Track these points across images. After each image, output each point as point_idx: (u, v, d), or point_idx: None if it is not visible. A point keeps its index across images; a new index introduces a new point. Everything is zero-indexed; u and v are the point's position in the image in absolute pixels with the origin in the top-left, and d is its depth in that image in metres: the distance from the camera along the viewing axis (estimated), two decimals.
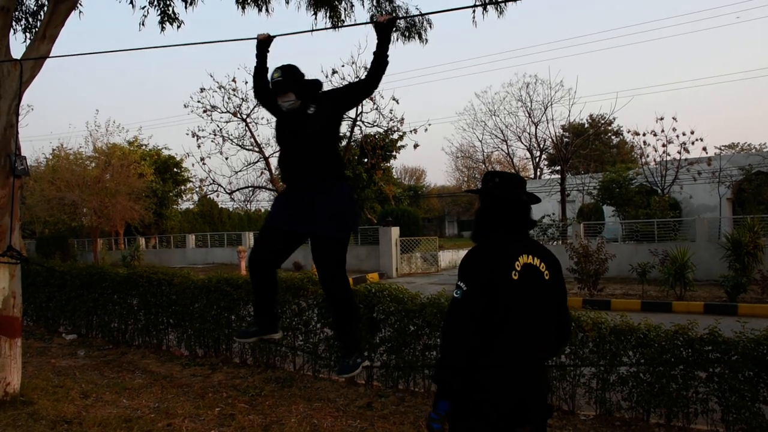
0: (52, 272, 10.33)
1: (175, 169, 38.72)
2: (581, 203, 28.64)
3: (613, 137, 43.83)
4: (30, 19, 8.07)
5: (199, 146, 19.28)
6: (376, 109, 17.42)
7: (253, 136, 17.98)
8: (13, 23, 6.90)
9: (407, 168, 60.01)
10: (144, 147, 37.21)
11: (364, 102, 17.04)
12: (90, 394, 6.49)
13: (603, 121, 36.83)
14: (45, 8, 7.47)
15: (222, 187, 19.11)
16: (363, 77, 3.71)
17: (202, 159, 18.53)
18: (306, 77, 3.71)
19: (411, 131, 18.62)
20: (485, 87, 50.71)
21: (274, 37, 3.90)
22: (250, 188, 21.03)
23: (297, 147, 3.66)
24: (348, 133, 19.51)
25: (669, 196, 23.07)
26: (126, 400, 6.28)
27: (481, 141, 37.65)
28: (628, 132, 26.79)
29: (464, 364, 2.43)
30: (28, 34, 8.05)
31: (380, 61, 3.57)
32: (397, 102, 18.02)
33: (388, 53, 3.56)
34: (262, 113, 21.96)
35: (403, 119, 17.92)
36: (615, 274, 16.97)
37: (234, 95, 17.67)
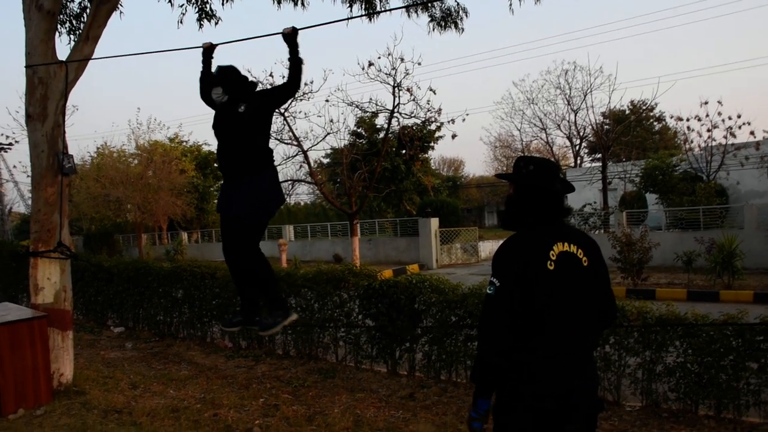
0: (100, 267, 10.59)
1: (215, 165, 39.26)
2: (623, 191, 28.09)
3: (655, 123, 42.81)
4: (74, 22, 8.27)
5: None
6: (413, 100, 17.32)
7: (291, 130, 18.02)
8: (58, 26, 7.07)
9: (445, 159, 59.77)
10: (185, 143, 37.83)
11: (400, 94, 17.05)
12: (138, 384, 6.66)
13: (645, 107, 36.01)
14: (88, 10, 7.65)
15: None
16: (286, 80, 4.20)
17: None
18: (244, 79, 4.24)
19: (449, 122, 18.41)
20: (523, 75, 50.15)
21: (218, 45, 4.48)
22: (290, 182, 21.19)
23: (227, 140, 4.16)
24: (386, 125, 19.49)
25: (715, 182, 22.44)
26: (173, 390, 6.43)
27: (519, 130, 37.10)
28: (671, 117, 26.12)
29: (502, 362, 2.39)
30: (72, 36, 8.26)
31: (294, 65, 4.12)
32: (434, 92, 17.80)
33: (300, 57, 4.13)
34: (300, 107, 22.03)
35: (440, 110, 17.77)
36: (659, 263, 16.63)
37: None
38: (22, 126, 26.45)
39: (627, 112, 35.69)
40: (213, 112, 4.36)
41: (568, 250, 2.50)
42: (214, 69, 4.35)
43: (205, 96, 4.41)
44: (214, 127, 4.25)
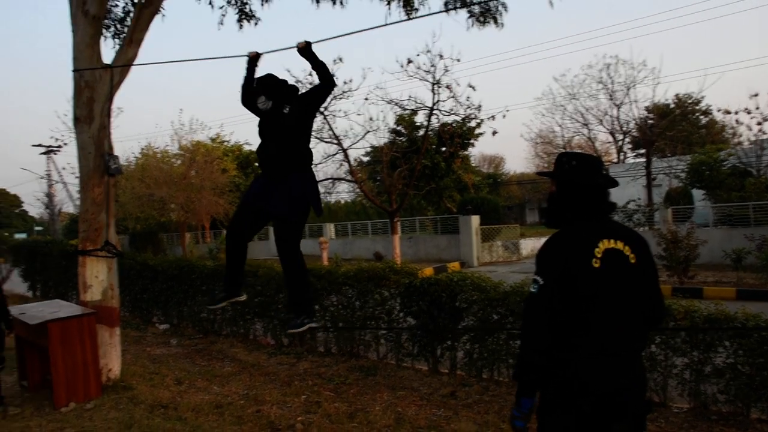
0: (145, 266, 10.83)
1: (256, 164, 39.73)
2: (668, 187, 27.47)
3: (701, 117, 41.66)
4: (118, 26, 8.45)
5: None
6: (453, 96, 17.22)
7: (331, 128, 18.13)
8: (103, 30, 7.22)
9: (486, 156, 59.32)
10: (226, 143, 38.36)
11: (439, 91, 17.00)
12: (183, 380, 6.79)
13: (690, 101, 35.15)
14: (131, 14, 7.81)
15: None
16: (319, 82, 4.33)
17: None
18: (283, 82, 4.37)
19: (489, 118, 18.29)
20: (564, 70, 49.29)
21: (262, 54, 4.60)
22: (330, 180, 21.29)
23: (271, 140, 4.30)
24: (425, 123, 19.44)
25: (765, 177, 21.77)
26: (217, 386, 6.53)
27: (560, 126, 36.43)
28: (719, 111, 25.54)
29: (544, 361, 2.38)
30: (116, 40, 8.44)
31: (320, 70, 4.27)
32: (473, 89, 17.72)
33: (321, 61, 4.28)
34: (340, 106, 22.12)
35: (480, 106, 17.56)
36: (707, 260, 16.21)
37: None
38: (70, 128, 27.13)
39: (672, 106, 34.90)
40: (255, 114, 4.48)
41: (614, 247, 2.46)
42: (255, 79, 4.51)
43: (247, 103, 4.53)
44: (259, 127, 4.39)
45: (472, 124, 21.49)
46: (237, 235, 4.48)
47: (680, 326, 5.35)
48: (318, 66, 4.28)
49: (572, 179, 2.58)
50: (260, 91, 4.34)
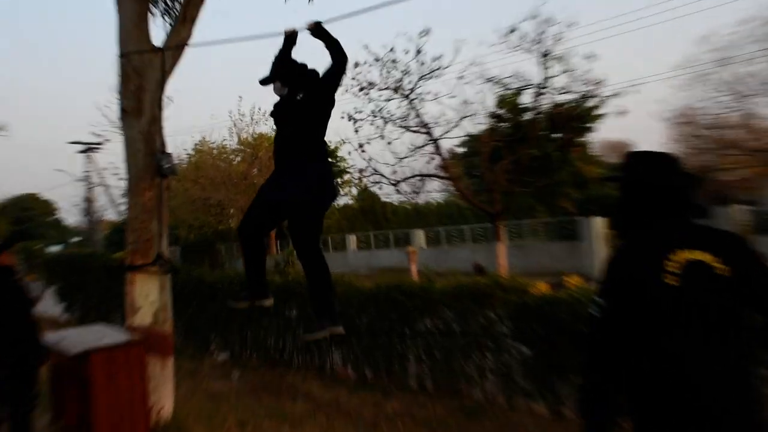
0: (201, 282, 11.07)
1: (330, 159, 40.27)
2: None
3: None
4: (168, 2, 8.67)
5: (356, 131, 19.58)
6: (567, 71, 16.91)
7: (418, 115, 18.15)
8: (151, 7, 7.39)
9: (610, 142, 58.05)
10: None
11: (549, 65, 16.74)
12: (247, 422, 6.86)
13: None
14: None
15: (385, 177, 19.52)
16: (331, 63, 4.66)
17: (360, 145, 18.99)
18: (303, 67, 4.78)
19: (613, 95, 17.84)
20: (711, 29, 47.19)
21: (298, 31, 4.88)
22: (418, 177, 21.25)
23: (285, 129, 4.71)
24: (533, 104, 19.12)
25: None
26: (288, 429, 6.57)
27: (707, 101, 35.05)
28: None
29: (610, 391, 2.47)
30: (166, 18, 8.66)
31: (331, 47, 4.63)
32: (593, 60, 17.34)
33: (334, 38, 4.63)
34: (428, 87, 22.19)
35: (601, 81, 17.19)
36: None
37: (394, 68, 17.91)
38: (112, 122, 28.09)
39: None
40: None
41: (693, 258, 2.43)
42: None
43: (267, 81, 4.82)
44: (273, 115, 4.82)
45: (592, 103, 21.01)
46: (252, 228, 4.79)
47: None
48: (331, 45, 4.64)
49: (639, 179, 2.66)
50: (274, 79, 4.75)
